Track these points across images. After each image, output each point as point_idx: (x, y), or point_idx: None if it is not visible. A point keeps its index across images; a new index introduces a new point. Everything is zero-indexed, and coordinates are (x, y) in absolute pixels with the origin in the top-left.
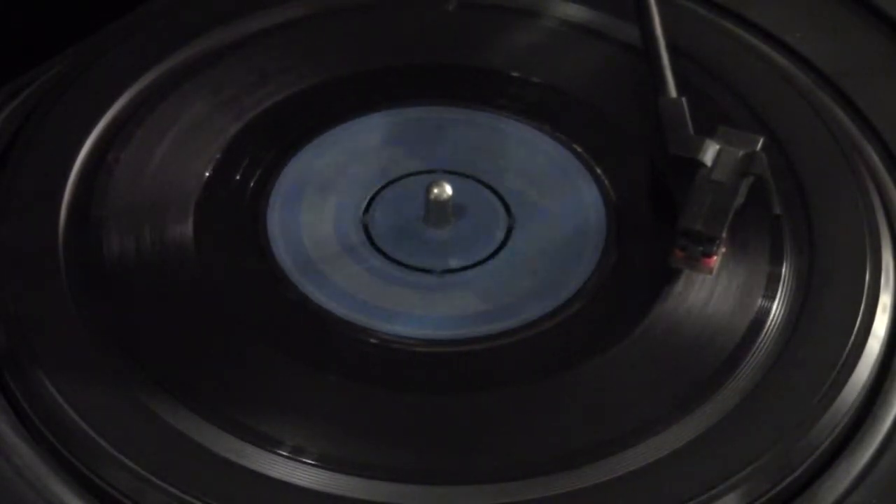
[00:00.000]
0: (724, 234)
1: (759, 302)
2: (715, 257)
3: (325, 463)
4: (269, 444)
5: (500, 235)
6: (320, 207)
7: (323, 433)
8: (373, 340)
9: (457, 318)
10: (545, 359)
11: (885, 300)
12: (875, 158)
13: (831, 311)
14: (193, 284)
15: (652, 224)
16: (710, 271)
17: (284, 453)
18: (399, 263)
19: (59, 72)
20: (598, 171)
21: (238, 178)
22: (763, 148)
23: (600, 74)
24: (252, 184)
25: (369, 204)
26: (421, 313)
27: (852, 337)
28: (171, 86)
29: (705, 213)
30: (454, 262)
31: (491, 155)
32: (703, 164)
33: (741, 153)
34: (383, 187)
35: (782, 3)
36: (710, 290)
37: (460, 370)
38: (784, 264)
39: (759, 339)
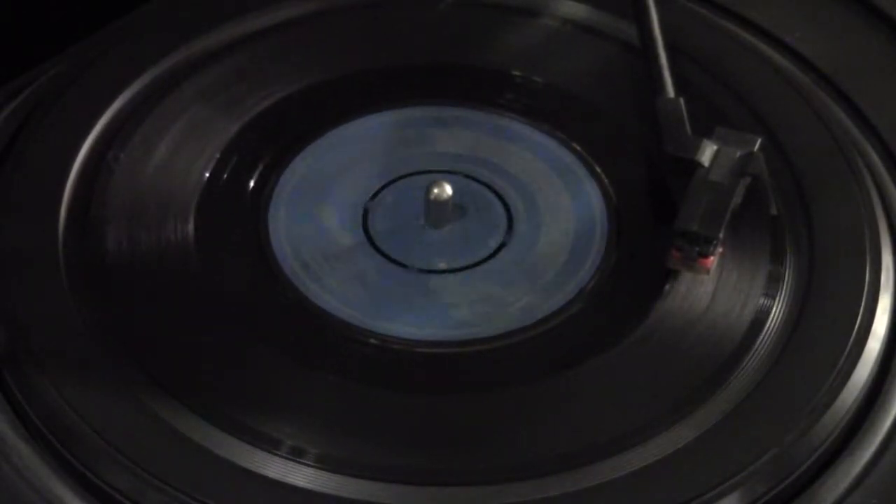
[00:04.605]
0: (721, 235)
1: (759, 302)
2: (712, 258)
3: (324, 463)
4: (268, 444)
5: (499, 235)
6: (320, 207)
7: (322, 433)
8: (373, 340)
9: (457, 318)
10: (545, 359)
11: (885, 300)
12: (875, 158)
13: (831, 311)
14: (193, 284)
15: (652, 224)
16: (708, 272)
17: (284, 453)
18: (399, 264)
19: (59, 72)
20: (598, 170)
21: (238, 178)
22: (760, 148)
23: (600, 74)
24: (252, 184)
25: (369, 204)
26: (421, 313)
27: (852, 337)
28: (170, 86)
29: (702, 214)
30: (454, 263)
31: (491, 155)
32: (700, 165)
33: (738, 153)
34: (383, 187)
35: (782, 3)
36: (711, 290)
37: (460, 370)
38: (784, 264)
39: (759, 339)
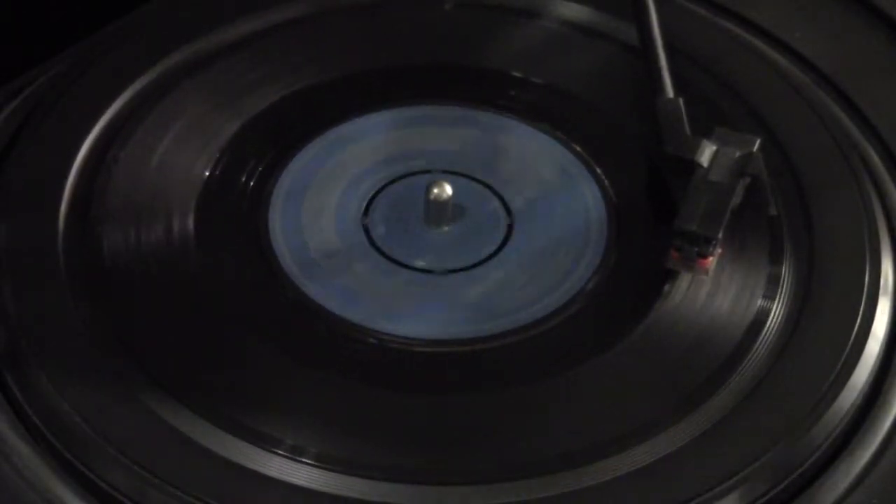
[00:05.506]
0: (720, 235)
1: (759, 302)
2: (711, 258)
3: (324, 463)
4: (268, 443)
5: (499, 235)
6: (320, 207)
7: (322, 433)
8: (373, 340)
9: (457, 318)
10: (545, 359)
11: (884, 300)
12: (875, 158)
13: (831, 312)
14: (193, 284)
15: (652, 224)
16: (706, 272)
17: (284, 453)
18: (399, 263)
19: (59, 72)
20: (598, 171)
21: (238, 177)
22: (760, 148)
23: (600, 74)
24: (252, 184)
25: (369, 204)
26: (421, 313)
27: (852, 337)
28: (171, 85)
29: (701, 214)
30: (454, 263)
31: (491, 155)
32: (699, 165)
33: (738, 154)
34: (383, 187)
35: (782, 3)
36: (710, 290)
37: (460, 370)
38: (784, 264)
39: (759, 339)
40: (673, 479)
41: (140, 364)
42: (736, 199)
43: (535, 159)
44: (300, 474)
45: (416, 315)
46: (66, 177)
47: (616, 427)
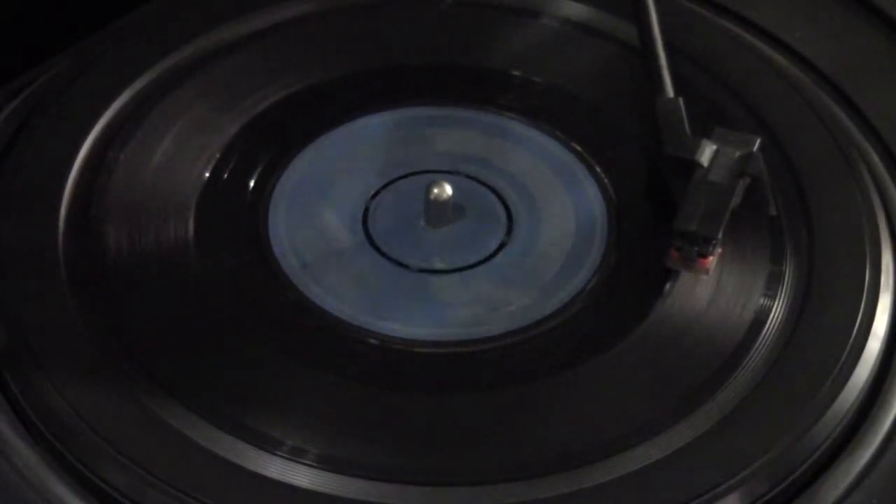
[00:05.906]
0: (720, 235)
1: (759, 302)
2: (711, 258)
3: (324, 463)
4: (268, 444)
5: (499, 236)
6: (320, 207)
7: (322, 433)
8: (373, 340)
9: (457, 318)
10: (545, 359)
11: (884, 300)
12: (875, 158)
13: (831, 311)
14: (193, 284)
15: (652, 224)
16: (707, 272)
17: (284, 454)
18: (399, 263)
19: (60, 71)
20: (598, 170)
21: (238, 178)
22: (760, 148)
23: (600, 74)
24: (252, 184)
25: (369, 204)
26: (421, 313)
27: (852, 337)
28: (171, 85)
29: (701, 214)
30: (454, 263)
31: (491, 155)
32: (699, 165)
33: (738, 154)
34: (383, 187)
35: (782, 3)
36: (711, 289)
37: (460, 370)
38: (784, 264)
39: (759, 339)
40: (673, 479)
41: (140, 364)
42: (736, 199)
43: (535, 159)
44: (300, 474)
45: (416, 315)
46: (66, 177)
47: (616, 427)
